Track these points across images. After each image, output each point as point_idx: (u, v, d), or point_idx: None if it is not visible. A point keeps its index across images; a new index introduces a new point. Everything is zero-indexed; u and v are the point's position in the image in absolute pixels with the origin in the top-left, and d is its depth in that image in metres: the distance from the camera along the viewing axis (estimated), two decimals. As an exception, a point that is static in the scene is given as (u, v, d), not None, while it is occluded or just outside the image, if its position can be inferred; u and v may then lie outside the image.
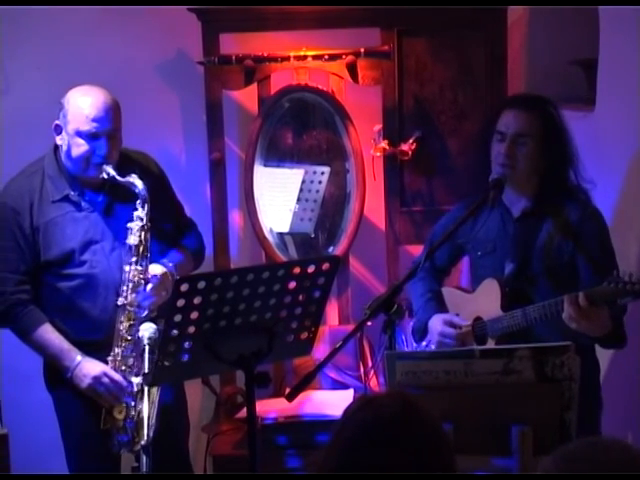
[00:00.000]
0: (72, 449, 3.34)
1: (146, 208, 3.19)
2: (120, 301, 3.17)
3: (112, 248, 3.24)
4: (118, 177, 3.17)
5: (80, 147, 3.16)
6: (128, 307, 3.17)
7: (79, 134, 3.16)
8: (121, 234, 3.24)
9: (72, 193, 3.22)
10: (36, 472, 3.96)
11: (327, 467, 1.68)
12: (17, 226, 3.18)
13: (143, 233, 3.19)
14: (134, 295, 3.17)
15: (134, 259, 3.18)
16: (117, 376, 3.17)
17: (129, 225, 3.20)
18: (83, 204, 3.23)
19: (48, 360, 3.26)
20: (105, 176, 3.17)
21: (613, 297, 2.69)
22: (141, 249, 3.18)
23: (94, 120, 3.14)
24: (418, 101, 3.91)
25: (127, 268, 3.18)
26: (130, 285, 3.17)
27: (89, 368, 3.17)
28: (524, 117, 3.04)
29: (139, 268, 3.18)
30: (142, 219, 3.19)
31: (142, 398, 3.10)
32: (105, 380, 3.15)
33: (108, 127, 3.17)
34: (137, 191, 3.19)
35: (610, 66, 3.64)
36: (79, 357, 3.18)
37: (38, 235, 3.18)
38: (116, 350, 3.18)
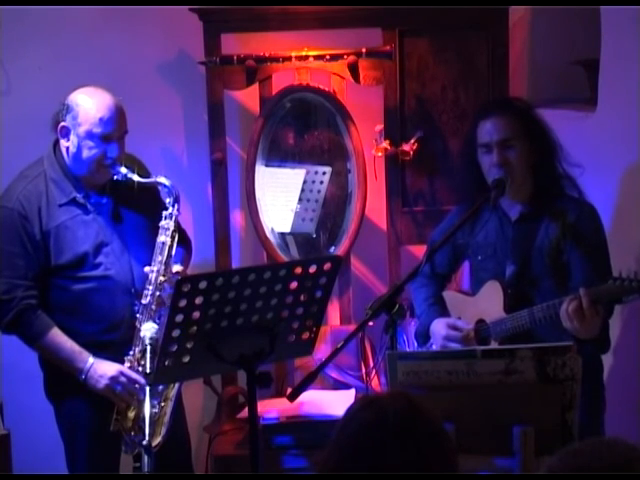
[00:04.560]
0: (80, 456, 3.28)
1: (176, 206, 3.19)
2: (145, 301, 3.14)
3: (121, 249, 3.23)
4: (137, 177, 3.17)
5: (92, 149, 3.14)
6: (152, 306, 3.14)
7: (91, 136, 3.13)
8: (128, 235, 3.24)
9: (78, 195, 3.20)
10: (37, 472, 3.96)
11: (328, 467, 1.68)
12: (25, 232, 3.14)
13: (173, 232, 3.18)
14: (158, 293, 3.15)
15: (160, 258, 3.16)
16: (134, 374, 3.13)
17: (161, 224, 3.19)
18: (89, 206, 3.21)
19: (58, 364, 3.19)
20: (120, 178, 3.16)
21: (619, 295, 2.68)
22: (169, 248, 3.17)
23: (107, 122, 3.12)
24: (420, 101, 3.90)
25: (151, 267, 3.16)
26: (155, 284, 3.15)
27: (105, 368, 3.14)
28: (503, 122, 3.04)
29: (164, 267, 3.16)
30: (173, 217, 3.19)
31: (161, 396, 3.11)
32: (122, 379, 3.12)
33: (120, 129, 3.17)
34: (166, 190, 3.20)
35: (612, 66, 3.64)
36: (91, 359, 3.15)
37: (49, 240, 3.15)
38: (135, 350, 3.15)
